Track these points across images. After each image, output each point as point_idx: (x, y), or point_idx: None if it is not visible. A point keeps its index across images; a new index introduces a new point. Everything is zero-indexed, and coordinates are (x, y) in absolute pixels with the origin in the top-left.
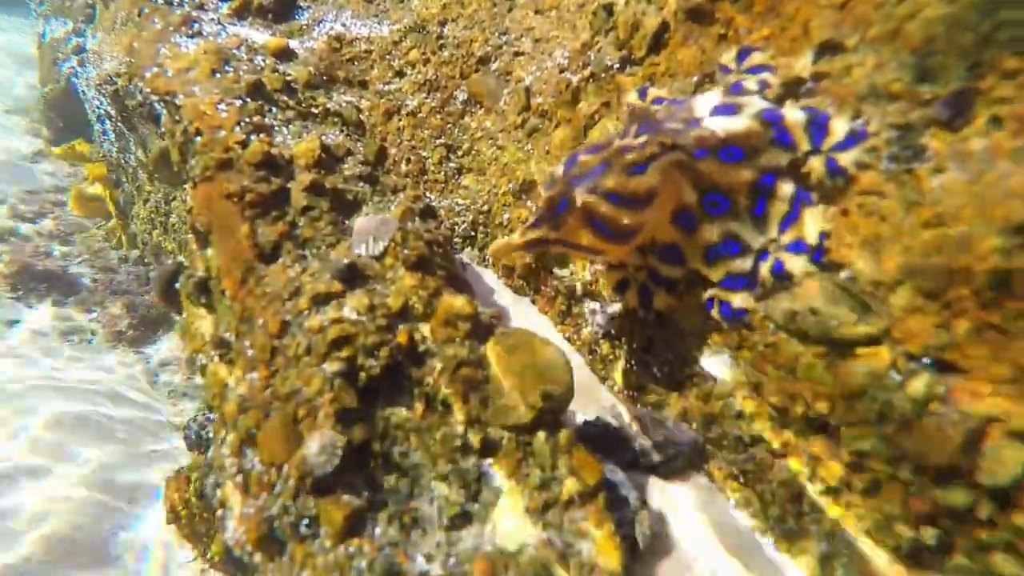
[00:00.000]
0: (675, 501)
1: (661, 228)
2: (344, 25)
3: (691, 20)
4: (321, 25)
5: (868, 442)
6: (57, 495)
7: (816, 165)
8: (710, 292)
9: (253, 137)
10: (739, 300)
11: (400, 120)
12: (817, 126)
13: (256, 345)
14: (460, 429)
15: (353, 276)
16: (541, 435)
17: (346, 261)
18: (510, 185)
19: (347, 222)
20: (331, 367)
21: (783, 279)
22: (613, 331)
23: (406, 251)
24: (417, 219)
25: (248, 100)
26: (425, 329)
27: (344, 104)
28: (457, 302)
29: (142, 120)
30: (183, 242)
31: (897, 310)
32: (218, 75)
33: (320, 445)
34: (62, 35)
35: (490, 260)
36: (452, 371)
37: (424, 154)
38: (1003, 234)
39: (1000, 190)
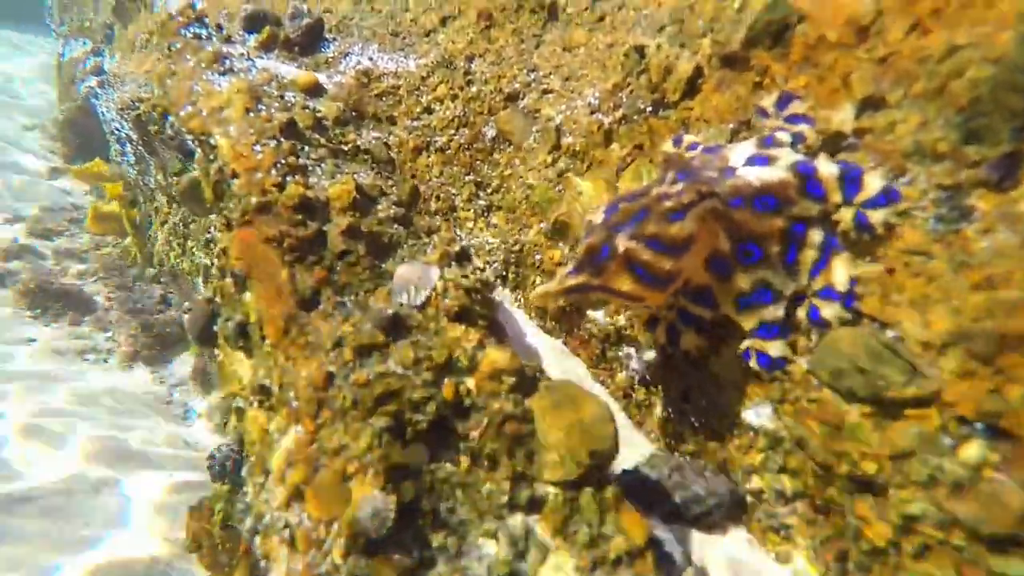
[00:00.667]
0: (715, 555)
1: (695, 272)
2: (371, 59)
3: (725, 66)
4: (348, 59)
5: (918, 505)
6: None
7: (846, 216)
8: (746, 343)
9: (289, 179)
10: (776, 349)
11: (429, 157)
12: (851, 180)
13: (301, 397)
14: (506, 485)
15: (396, 327)
16: (588, 491)
17: (389, 311)
18: (542, 225)
19: (383, 266)
20: (378, 422)
21: (821, 326)
22: (649, 377)
23: (447, 301)
24: (453, 263)
25: (282, 140)
26: (470, 382)
27: (373, 141)
28: (502, 356)
29: (165, 147)
30: (200, 266)
31: (947, 373)
32: (251, 114)
33: (372, 507)
34: (80, 55)
35: (523, 301)
36: (498, 426)
37: (453, 191)
38: None
39: None
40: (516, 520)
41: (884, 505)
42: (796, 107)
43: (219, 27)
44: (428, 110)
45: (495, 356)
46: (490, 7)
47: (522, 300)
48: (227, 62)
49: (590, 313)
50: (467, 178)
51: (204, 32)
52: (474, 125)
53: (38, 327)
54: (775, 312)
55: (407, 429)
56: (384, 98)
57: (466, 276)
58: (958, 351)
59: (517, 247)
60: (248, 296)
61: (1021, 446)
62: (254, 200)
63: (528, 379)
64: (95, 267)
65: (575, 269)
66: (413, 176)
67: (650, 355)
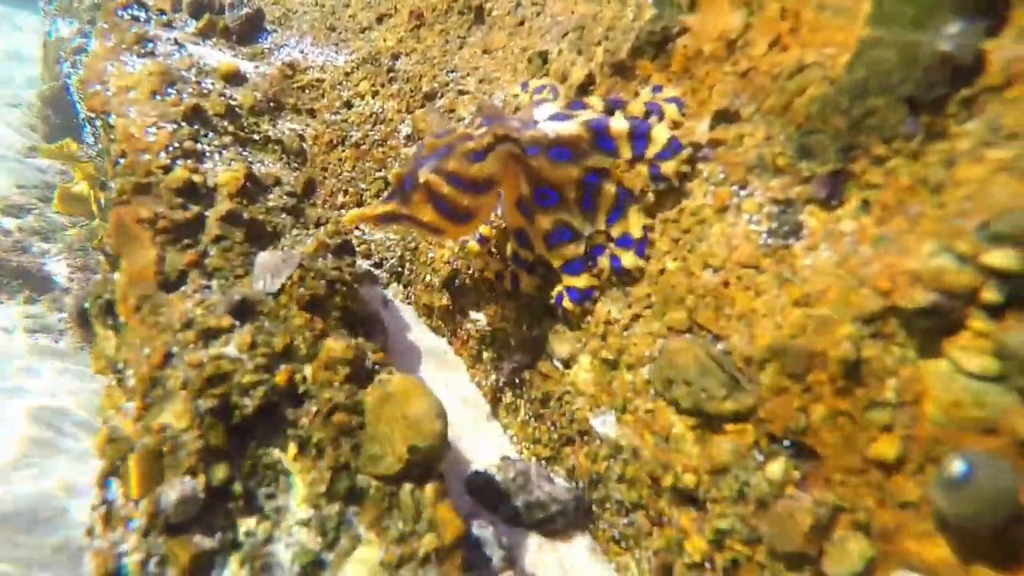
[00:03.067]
0: (547, 561)
1: (511, 215)
2: (302, 52)
3: (615, 74)
4: (282, 50)
5: (728, 521)
6: None
7: (643, 172)
8: (557, 288)
9: (179, 162)
10: (582, 282)
11: (343, 151)
12: (640, 135)
13: (137, 375)
14: (327, 475)
15: (245, 312)
16: (407, 487)
17: (237, 298)
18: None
19: (260, 252)
20: (204, 403)
21: (621, 274)
22: (516, 380)
23: (302, 290)
24: (330, 255)
25: (183, 124)
26: (307, 370)
27: (287, 132)
28: (338, 346)
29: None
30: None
31: (765, 389)
32: (158, 97)
33: (179, 489)
34: (67, 35)
35: (413, 297)
36: (326, 415)
37: (363, 186)
38: (856, 322)
39: (859, 277)
40: (332, 510)
41: (703, 519)
42: (668, 92)
43: (161, 11)
44: (348, 105)
45: (332, 345)
46: (422, 7)
47: (413, 297)
48: (149, 45)
49: (472, 314)
50: (378, 174)
51: (143, 14)
52: (391, 122)
53: None
54: (576, 249)
55: (233, 412)
56: (307, 91)
57: (337, 269)
58: (774, 367)
59: (414, 245)
60: (116, 275)
61: (821, 464)
62: (134, 179)
63: (366, 371)
64: (59, 247)
65: (388, 197)
66: (324, 169)
67: (518, 357)
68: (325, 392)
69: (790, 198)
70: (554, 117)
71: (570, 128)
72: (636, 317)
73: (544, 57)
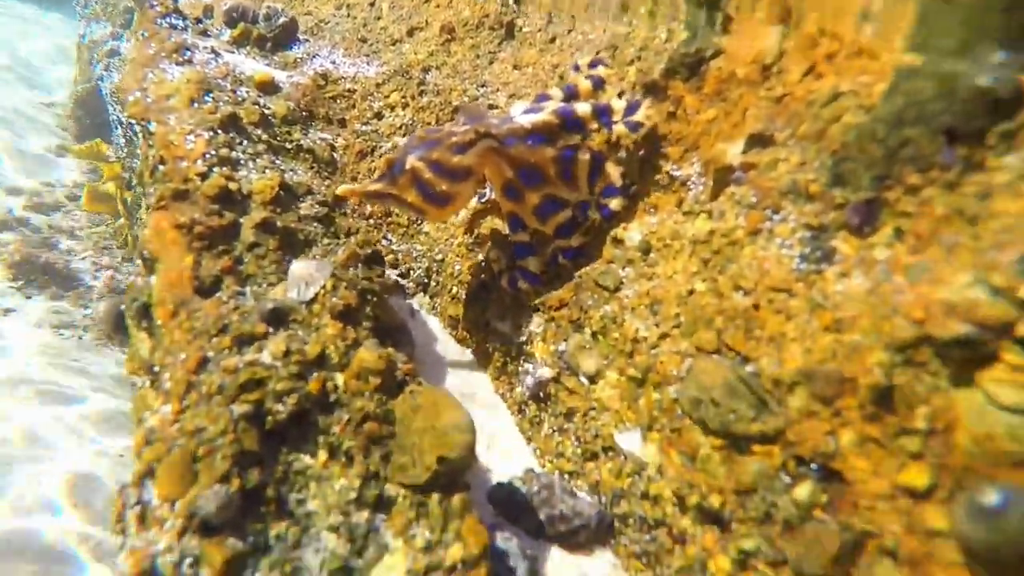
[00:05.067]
0: (572, 575)
1: (501, 201)
2: (334, 62)
3: (647, 94)
4: (314, 60)
5: (753, 541)
6: None
7: (619, 129)
8: (551, 247)
9: (216, 170)
10: (576, 240)
11: (372, 161)
12: (602, 111)
13: (173, 378)
14: (357, 482)
15: (279, 319)
16: (435, 497)
17: (270, 306)
18: (466, 236)
19: (294, 261)
20: (239, 408)
21: (610, 218)
22: (541, 394)
23: (335, 299)
24: (360, 265)
25: (220, 132)
26: (339, 379)
27: (318, 141)
28: (370, 356)
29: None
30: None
31: (794, 412)
32: (196, 105)
33: (215, 493)
34: (100, 37)
35: (439, 309)
36: (357, 424)
37: None
38: (888, 350)
39: (891, 305)
40: (361, 518)
41: (728, 539)
42: (600, 70)
43: (198, 20)
44: (379, 116)
45: (364, 356)
46: (453, 21)
47: (439, 308)
48: (188, 53)
49: (497, 326)
50: None
51: (180, 23)
52: None
53: (19, 298)
54: (565, 215)
55: (267, 418)
56: (338, 101)
57: (368, 278)
58: (804, 390)
59: (440, 256)
60: (153, 279)
61: (849, 489)
62: (172, 185)
63: (397, 381)
64: (86, 245)
65: (377, 178)
66: (354, 179)
67: (543, 371)
68: (357, 401)
69: (823, 224)
70: (527, 111)
71: (542, 117)
72: (664, 336)
73: (577, 69)
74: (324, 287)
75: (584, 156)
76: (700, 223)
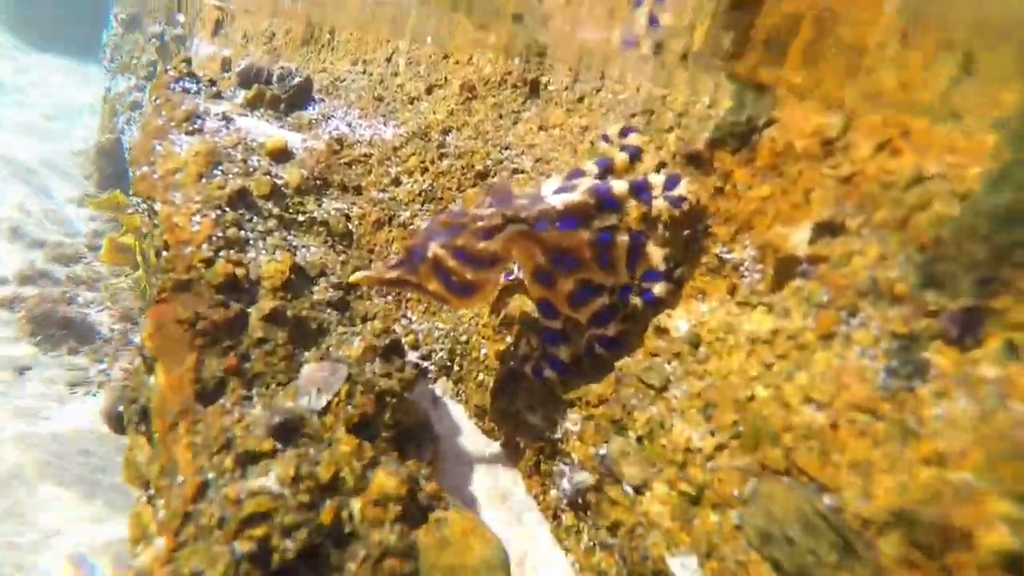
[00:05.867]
0: None
1: (532, 287)
2: (349, 125)
3: (689, 165)
4: (329, 122)
5: None
6: None
7: (660, 205)
8: (586, 335)
9: (223, 254)
10: (612, 330)
11: (391, 231)
12: (640, 187)
13: (169, 508)
14: None
15: (288, 433)
16: None
17: (278, 419)
18: (492, 315)
19: (306, 355)
20: (242, 547)
21: (655, 304)
22: (580, 501)
23: (350, 408)
24: (378, 360)
25: (228, 210)
26: (355, 505)
27: (333, 212)
28: (390, 481)
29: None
30: None
31: (887, 559)
32: (204, 180)
33: None
34: (124, 89)
35: (464, 396)
36: (376, 561)
37: None
38: (1015, 500)
39: (1012, 440)
40: None
41: None
42: (633, 139)
43: (212, 82)
44: (396, 182)
45: (383, 480)
46: (473, 78)
47: (464, 395)
48: (199, 121)
49: (528, 417)
50: None
51: (194, 87)
52: (441, 201)
53: (36, 354)
54: (602, 301)
55: (273, 556)
56: (354, 166)
57: (387, 375)
58: (899, 535)
59: (464, 338)
60: (152, 380)
61: None
62: (175, 276)
63: (419, 507)
64: (104, 296)
65: (395, 264)
66: (371, 251)
67: (582, 476)
68: (375, 533)
69: (913, 332)
70: (559, 190)
71: (575, 198)
72: (720, 447)
73: (607, 139)
74: (338, 394)
75: (623, 239)
76: (759, 318)
